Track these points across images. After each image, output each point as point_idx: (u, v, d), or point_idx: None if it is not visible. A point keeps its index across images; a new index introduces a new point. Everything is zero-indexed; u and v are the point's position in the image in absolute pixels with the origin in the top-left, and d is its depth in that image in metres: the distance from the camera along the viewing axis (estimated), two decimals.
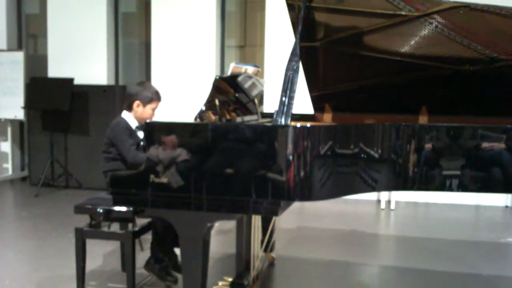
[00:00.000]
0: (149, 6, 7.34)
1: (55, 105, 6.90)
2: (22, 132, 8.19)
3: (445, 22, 3.17)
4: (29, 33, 8.34)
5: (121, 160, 3.33)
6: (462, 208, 6.34)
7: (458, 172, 2.83)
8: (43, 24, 7.71)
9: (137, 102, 3.44)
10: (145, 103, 3.44)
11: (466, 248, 4.79)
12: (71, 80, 6.94)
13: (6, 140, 7.84)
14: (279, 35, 6.68)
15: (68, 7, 7.47)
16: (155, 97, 3.49)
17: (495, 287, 3.89)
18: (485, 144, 2.85)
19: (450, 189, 2.85)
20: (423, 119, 3.67)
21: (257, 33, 7.61)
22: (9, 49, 7.69)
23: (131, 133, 3.38)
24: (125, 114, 3.46)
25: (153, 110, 3.49)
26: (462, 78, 3.44)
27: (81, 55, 7.43)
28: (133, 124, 3.43)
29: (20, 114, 7.35)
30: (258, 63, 6.90)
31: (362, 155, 2.72)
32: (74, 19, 7.45)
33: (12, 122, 7.67)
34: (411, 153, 2.83)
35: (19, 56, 7.36)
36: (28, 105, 7.18)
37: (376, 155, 2.77)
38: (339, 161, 2.62)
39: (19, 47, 7.95)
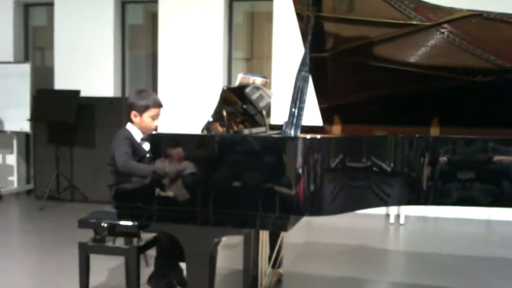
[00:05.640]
0: (156, 18, 7.33)
1: (61, 118, 6.86)
2: (28, 145, 8.15)
3: (457, 31, 3.09)
4: (36, 45, 8.35)
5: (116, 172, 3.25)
6: (473, 222, 6.24)
7: (475, 186, 2.75)
8: (49, 36, 7.72)
9: (133, 113, 3.34)
10: (141, 112, 3.32)
11: (477, 264, 4.69)
12: (77, 92, 6.91)
13: (11, 152, 7.81)
14: (286, 48, 6.64)
15: (75, 19, 7.47)
16: (152, 104, 3.33)
17: None
18: (500, 157, 2.77)
19: (466, 203, 2.77)
20: (434, 131, 3.59)
21: (264, 45, 7.57)
22: (16, 61, 7.69)
23: (133, 144, 3.28)
24: (129, 126, 3.38)
25: (153, 118, 3.34)
26: (475, 89, 3.36)
27: (88, 67, 7.42)
28: (138, 136, 3.34)
29: (26, 127, 7.32)
30: (265, 75, 6.85)
31: (374, 168, 2.64)
32: (81, 31, 7.45)
33: (18, 134, 7.64)
34: (425, 166, 2.75)
35: (26, 68, 7.34)
36: (34, 118, 7.15)
37: (389, 169, 2.70)
38: (350, 175, 2.55)
39: (26, 59, 7.96)
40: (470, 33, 3.08)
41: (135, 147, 3.28)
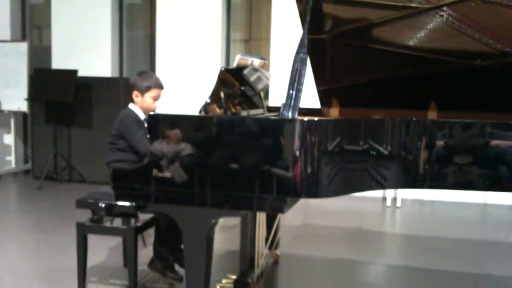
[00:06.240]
0: None
1: (58, 97, 6.84)
2: (25, 124, 8.14)
3: (456, 14, 3.08)
4: (33, 24, 8.29)
5: (133, 152, 3.25)
6: (469, 206, 6.27)
7: (471, 170, 2.76)
8: (47, 15, 7.67)
9: (135, 93, 3.37)
10: (142, 92, 3.35)
11: (473, 247, 4.72)
12: (75, 72, 6.88)
13: (9, 132, 7.80)
14: (285, 29, 6.61)
15: None
16: (153, 85, 3.36)
17: (502, 287, 3.82)
18: (498, 141, 2.77)
19: (463, 187, 2.78)
20: (432, 115, 3.59)
21: (263, 26, 7.53)
22: (13, 40, 7.65)
23: (141, 124, 3.31)
24: (132, 106, 3.40)
25: (153, 99, 3.37)
26: (474, 73, 3.35)
27: (85, 46, 7.38)
28: (141, 115, 3.36)
29: (23, 106, 7.30)
30: (263, 57, 6.83)
31: (371, 152, 2.64)
32: (79, 10, 7.40)
33: (16, 114, 7.63)
34: (422, 149, 2.75)
35: (23, 47, 7.30)
36: (32, 97, 7.12)
37: (386, 152, 2.70)
38: (347, 157, 2.54)
39: (23, 38, 7.91)
40: (469, 17, 3.06)
41: (142, 127, 3.30)
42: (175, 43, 7.13)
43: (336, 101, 3.89)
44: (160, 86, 3.41)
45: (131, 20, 7.88)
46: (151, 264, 3.51)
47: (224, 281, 3.43)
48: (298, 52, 2.70)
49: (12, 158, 7.83)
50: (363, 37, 3.42)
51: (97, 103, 7.05)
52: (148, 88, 3.35)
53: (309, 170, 2.40)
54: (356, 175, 2.62)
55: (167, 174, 2.54)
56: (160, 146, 2.54)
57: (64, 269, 3.79)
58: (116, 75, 7.51)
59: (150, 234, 3.56)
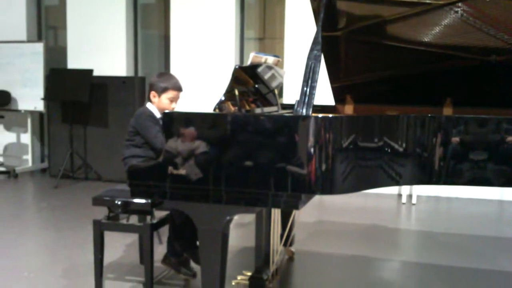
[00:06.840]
0: None
1: (74, 97, 6.91)
2: (42, 124, 8.22)
3: (471, 10, 3.06)
4: (49, 24, 8.36)
5: (149, 149, 3.29)
6: (485, 202, 6.23)
7: (487, 166, 2.74)
8: (62, 16, 7.73)
9: (152, 93, 3.41)
10: (159, 93, 3.38)
11: (489, 244, 4.69)
12: (90, 72, 6.94)
13: (26, 131, 7.88)
14: (299, 27, 6.60)
15: None
16: (171, 87, 3.39)
17: None
18: None
19: (478, 183, 2.76)
20: (447, 111, 3.58)
21: (277, 25, 7.53)
22: (29, 41, 7.71)
23: (156, 121, 3.33)
24: (149, 105, 3.43)
25: (170, 100, 3.40)
26: (489, 68, 3.34)
27: (101, 46, 7.43)
28: (157, 114, 3.38)
29: (40, 106, 7.38)
30: (277, 55, 6.83)
31: (386, 148, 2.64)
32: (94, 10, 7.45)
33: (32, 113, 7.70)
34: (437, 146, 2.75)
35: (39, 47, 7.38)
36: (48, 97, 7.20)
37: (401, 148, 2.69)
38: (361, 154, 2.55)
39: (39, 39, 7.98)
40: (484, 12, 3.05)
41: (157, 124, 3.33)
42: (189, 42, 7.15)
43: (351, 98, 3.89)
44: (178, 88, 3.43)
45: (145, 19, 7.92)
46: (165, 260, 3.54)
47: (239, 277, 3.45)
48: (312, 49, 2.71)
49: (29, 157, 7.91)
50: (377, 34, 3.42)
51: (112, 102, 7.10)
52: (165, 89, 3.38)
53: (323, 166, 2.41)
54: (370, 172, 2.62)
55: (182, 171, 2.55)
56: (175, 144, 2.56)
57: (81, 266, 3.84)
58: (131, 74, 7.55)
59: (165, 231, 3.58)
